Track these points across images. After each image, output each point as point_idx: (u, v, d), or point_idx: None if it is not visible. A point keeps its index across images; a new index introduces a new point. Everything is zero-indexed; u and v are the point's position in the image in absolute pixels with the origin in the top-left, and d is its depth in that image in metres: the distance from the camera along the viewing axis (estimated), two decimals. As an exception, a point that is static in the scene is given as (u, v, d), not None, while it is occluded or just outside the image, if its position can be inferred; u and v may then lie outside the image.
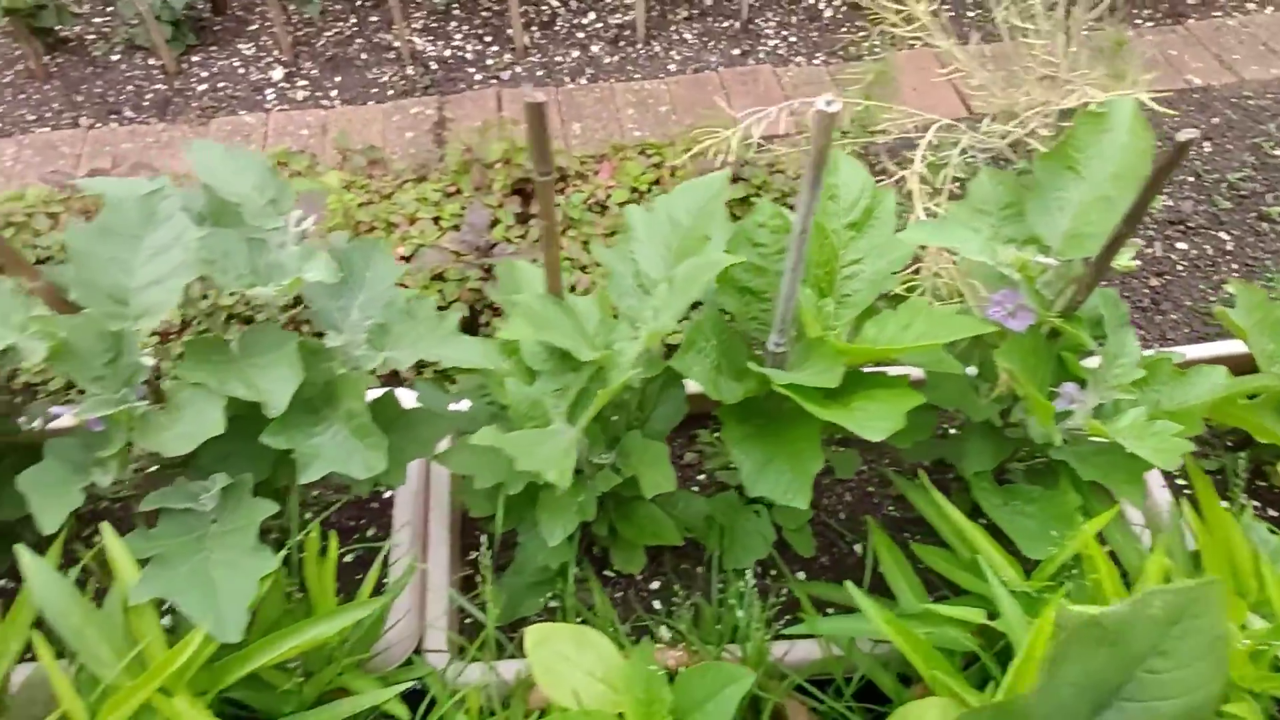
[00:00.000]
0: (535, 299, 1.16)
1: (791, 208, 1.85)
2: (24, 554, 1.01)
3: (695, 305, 1.31)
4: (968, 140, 1.82)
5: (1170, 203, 2.46)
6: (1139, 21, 3.06)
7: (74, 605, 1.00)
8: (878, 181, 1.33)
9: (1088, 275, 1.18)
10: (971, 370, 1.38)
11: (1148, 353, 1.28)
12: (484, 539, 1.31)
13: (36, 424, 1.40)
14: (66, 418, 1.20)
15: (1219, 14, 3.04)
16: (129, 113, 2.68)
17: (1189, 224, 2.41)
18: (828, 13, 3.06)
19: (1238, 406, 1.46)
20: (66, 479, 1.11)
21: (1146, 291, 2.27)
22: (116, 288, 1.13)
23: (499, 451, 1.32)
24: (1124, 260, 1.19)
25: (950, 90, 2.81)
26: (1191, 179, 2.52)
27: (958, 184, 1.87)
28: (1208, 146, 2.60)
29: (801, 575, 1.53)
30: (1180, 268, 2.32)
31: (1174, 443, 1.13)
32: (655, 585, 1.54)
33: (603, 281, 1.29)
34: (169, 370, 1.21)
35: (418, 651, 1.37)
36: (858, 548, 1.59)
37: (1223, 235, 2.38)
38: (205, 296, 1.78)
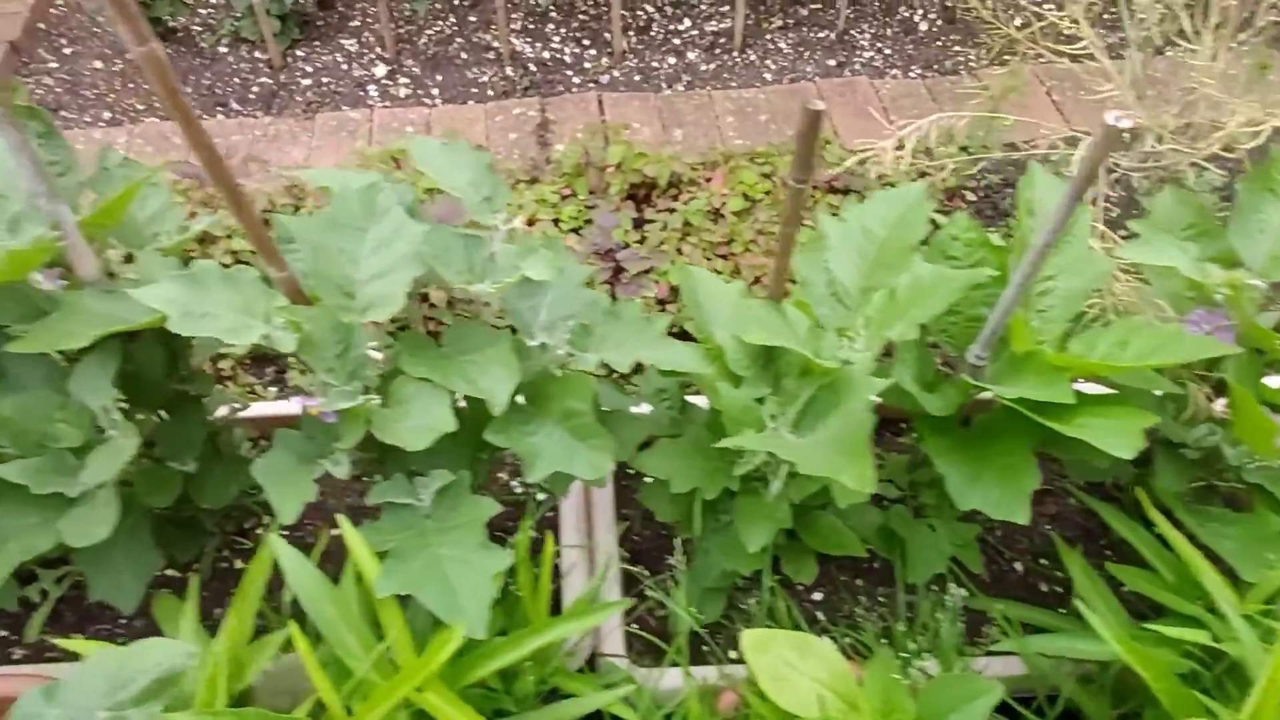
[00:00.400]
0: (762, 306, 1.16)
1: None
2: (279, 545, 1.01)
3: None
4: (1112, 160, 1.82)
5: None
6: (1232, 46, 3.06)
7: (328, 596, 0.99)
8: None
9: (1310, 298, 1.18)
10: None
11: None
12: (677, 544, 1.31)
13: (221, 412, 1.41)
14: (294, 405, 1.20)
15: (1315, 40, 3.03)
16: (235, 105, 2.69)
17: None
18: (923, 26, 3.06)
19: None
20: (296, 469, 1.10)
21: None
22: (344, 280, 1.13)
23: (694, 456, 1.32)
24: (1343, 284, 1.19)
25: (1050, 108, 2.82)
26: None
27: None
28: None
29: (963, 593, 1.52)
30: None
31: (1398, 467, 1.13)
32: (818, 595, 1.53)
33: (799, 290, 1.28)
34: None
35: (592, 655, 1.37)
36: (1018, 565, 1.58)
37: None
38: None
